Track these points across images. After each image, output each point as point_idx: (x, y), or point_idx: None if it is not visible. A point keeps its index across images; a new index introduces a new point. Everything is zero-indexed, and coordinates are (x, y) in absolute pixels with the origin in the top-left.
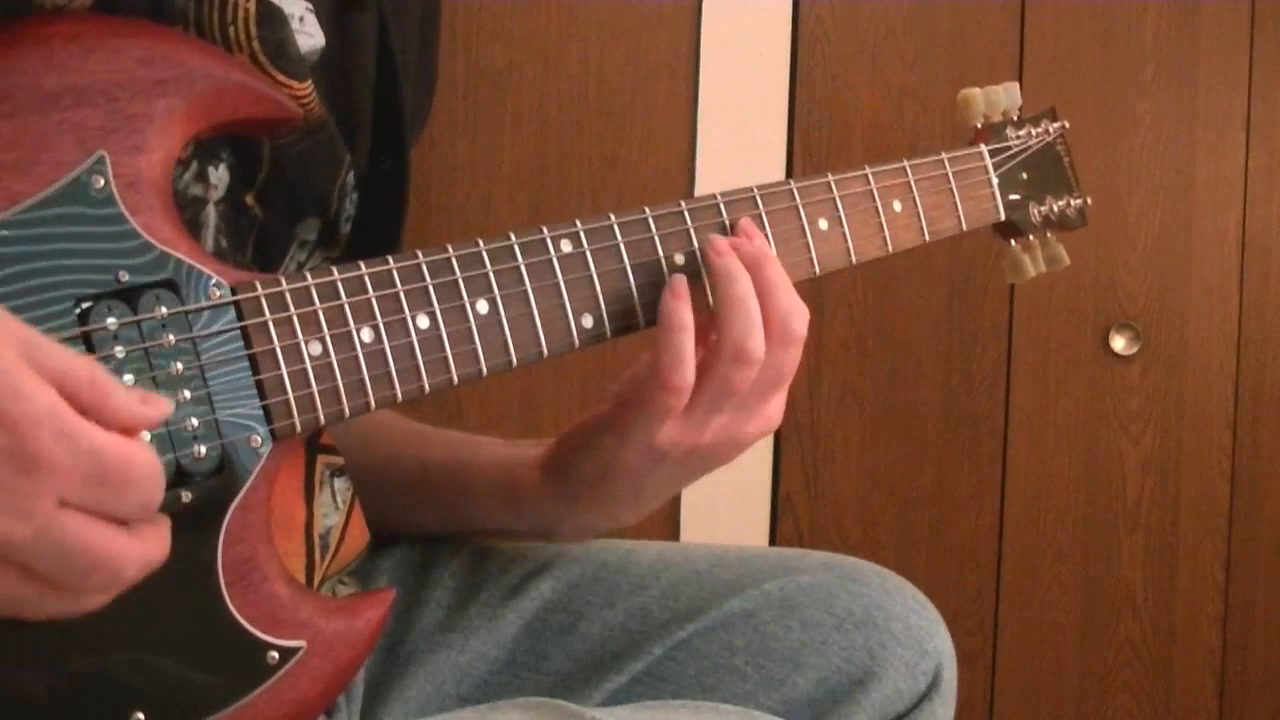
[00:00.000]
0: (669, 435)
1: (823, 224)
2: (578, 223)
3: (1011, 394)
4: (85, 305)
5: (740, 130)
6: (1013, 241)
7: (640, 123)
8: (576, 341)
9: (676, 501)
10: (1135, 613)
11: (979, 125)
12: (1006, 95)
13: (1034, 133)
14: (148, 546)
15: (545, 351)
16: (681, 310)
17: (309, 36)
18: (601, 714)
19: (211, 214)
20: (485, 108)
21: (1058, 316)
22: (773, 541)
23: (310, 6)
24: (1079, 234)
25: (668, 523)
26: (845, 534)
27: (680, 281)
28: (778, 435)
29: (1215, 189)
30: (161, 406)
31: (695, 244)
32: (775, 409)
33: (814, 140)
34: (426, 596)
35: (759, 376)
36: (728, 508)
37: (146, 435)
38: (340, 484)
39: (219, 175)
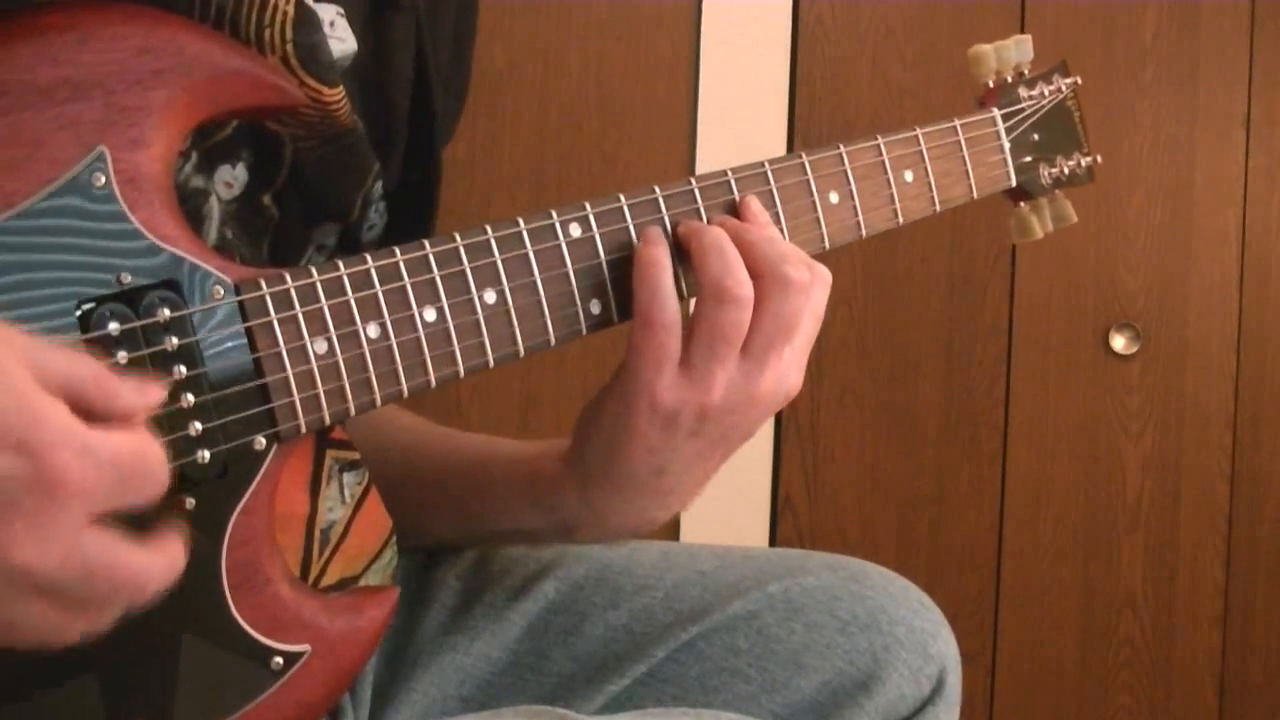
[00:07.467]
0: (672, 391)
1: (833, 197)
2: (587, 205)
3: (1011, 394)
4: (87, 307)
5: (740, 130)
6: (1021, 204)
7: (640, 123)
8: (584, 329)
9: None
10: (1135, 613)
11: (990, 84)
12: (1018, 50)
13: (1046, 91)
14: (170, 559)
15: (553, 340)
16: (654, 250)
17: (340, 41)
18: None
19: (215, 207)
20: (485, 108)
21: (1058, 316)
22: (773, 541)
23: (341, 10)
24: (1079, 233)
25: (668, 523)
26: (845, 534)
27: (652, 230)
28: (778, 435)
29: (1215, 189)
30: (155, 391)
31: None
32: (790, 366)
33: (814, 141)
34: (431, 598)
35: (760, 325)
36: (728, 508)
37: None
38: (350, 478)
39: (236, 174)
